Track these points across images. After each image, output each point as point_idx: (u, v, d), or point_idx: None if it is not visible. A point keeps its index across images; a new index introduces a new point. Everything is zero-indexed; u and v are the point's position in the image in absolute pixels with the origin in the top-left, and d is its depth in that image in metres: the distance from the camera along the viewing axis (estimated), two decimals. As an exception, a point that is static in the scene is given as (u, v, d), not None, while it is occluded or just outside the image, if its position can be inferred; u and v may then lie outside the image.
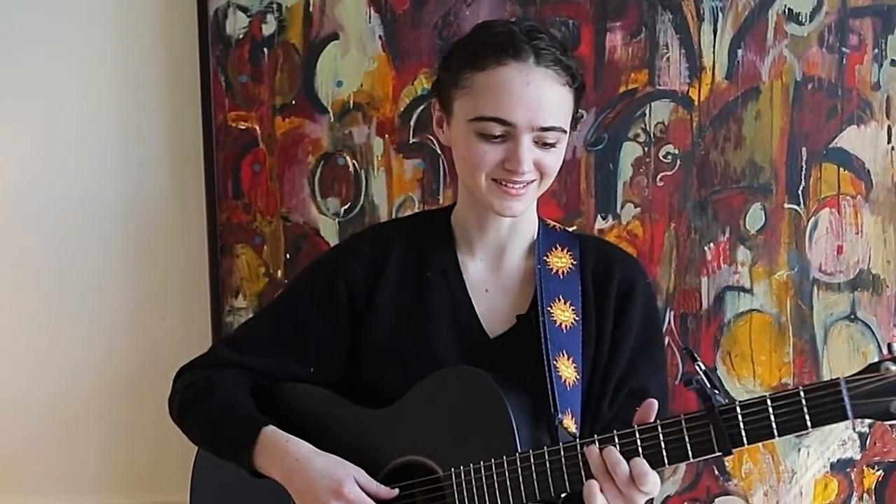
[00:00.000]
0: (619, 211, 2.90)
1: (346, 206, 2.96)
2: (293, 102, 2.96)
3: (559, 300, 2.21)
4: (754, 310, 2.90)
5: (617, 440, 1.97)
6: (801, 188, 2.86)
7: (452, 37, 2.82)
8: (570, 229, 2.48)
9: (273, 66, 2.95)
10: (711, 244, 2.89)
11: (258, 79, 2.96)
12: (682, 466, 2.88)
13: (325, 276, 2.32)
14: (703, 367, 1.94)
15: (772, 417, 1.87)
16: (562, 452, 2.01)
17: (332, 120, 2.95)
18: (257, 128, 2.96)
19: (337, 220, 2.97)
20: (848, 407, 1.82)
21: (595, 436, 2.00)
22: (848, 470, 2.91)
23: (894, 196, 2.85)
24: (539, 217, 2.32)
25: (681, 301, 2.91)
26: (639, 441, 1.95)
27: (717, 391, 1.92)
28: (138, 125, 3.03)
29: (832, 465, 2.91)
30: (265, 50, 2.95)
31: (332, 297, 2.29)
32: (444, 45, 2.84)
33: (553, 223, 2.36)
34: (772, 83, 2.85)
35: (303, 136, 2.96)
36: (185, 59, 2.99)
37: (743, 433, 1.89)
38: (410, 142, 2.94)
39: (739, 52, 2.85)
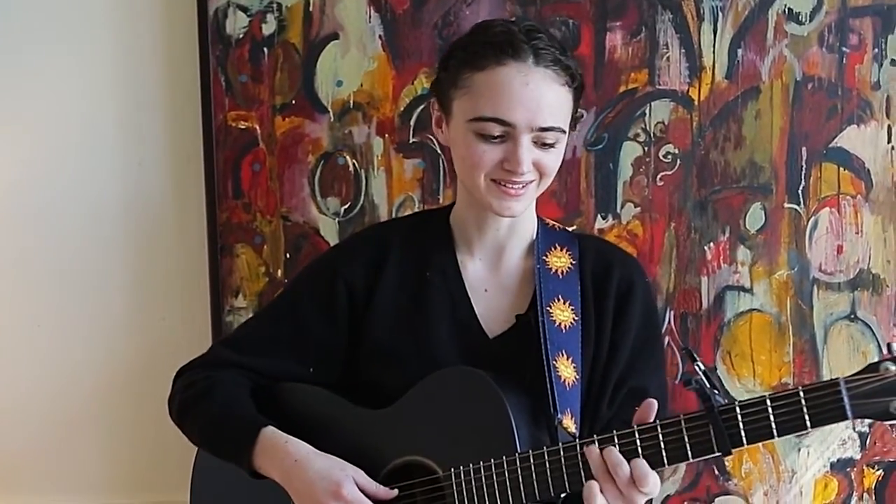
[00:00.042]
0: (619, 211, 2.90)
1: (346, 206, 2.96)
2: (293, 102, 2.96)
3: (558, 300, 2.21)
4: (754, 309, 2.90)
5: (616, 440, 1.97)
6: (801, 188, 2.86)
7: (452, 36, 2.82)
8: (570, 229, 2.48)
9: (273, 66, 2.95)
10: (711, 244, 2.89)
11: (258, 78, 2.96)
12: (682, 466, 2.88)
13: (324, 276, 2.32)
14: (702, 368, 1.94)
15: (771, 417, 1.87)
16: (561, 453, 2.01)
17: (332, 120, 2.95)
18: (257, 127, 2.96)
19: (337, 219, 2.97)
20: (847, 407, 1.82)
21: (595, 436, 2.00)
22: (848, 470, 2.91)
23: (894, 196, 2.85)
24: (538, 217, 2.32)
25: (681, 301, 2.91)
26: (638, 441, 1.95)
27: (716, 391, 1.92)
28: (138, 125, 3.03)
29: (832, 465, 2.91)
30: (265, 50, 2.95)
31: (332, 297, 2.29)
32: (444, 45, 2.84)
33: (552, 223, 2.36)
34: (772, 83, 2.85)
35: (303, 136, 2.96)
36: (185, 59, 2.99)
37: (742, 433, 1.89)
38: (410, 141, 2.94)
39: (739, 51, 2.85)
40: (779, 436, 1.87)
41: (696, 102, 2.87)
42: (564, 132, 2.14)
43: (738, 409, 1.89)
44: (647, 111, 2.88)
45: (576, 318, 2.21)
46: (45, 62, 3.02)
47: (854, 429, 2.89)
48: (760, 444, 1.96)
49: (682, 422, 1.93)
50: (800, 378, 2.88)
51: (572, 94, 2.15)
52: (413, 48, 2.92)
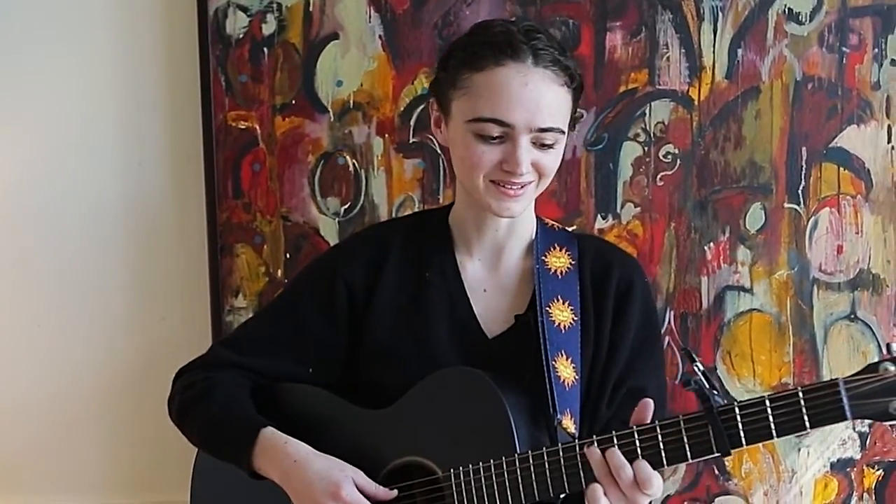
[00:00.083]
0: (619, 211, 2.90)
1: (346, 206, 2.96)
2: (293, 102, 2.96)
3: (557, 300, 2.21)
4: (754, 309, 2.90)
5: (616, 441, 1.97)
6: (801, 188, 2.86)
7: (452, 36, 2.81)
8: (570, 229, 2.48)
9: (273, 66, 2.95)
10: (711, 244, 2.89)
11: (258, 78, 2.96)
12: (682, 466, 2.88)
13: (324, 276, 2.32)
14: (701, 368, 1.94)
15: (770, 418, 1.86)
16: (560, 453, 2.01)
17: (332, 119, 2.95)
18: (257, 127, 2.96)
19: (337, 219, 2.97)
20: (847, 407, 1.82)
21: (594, 436, 2.00)
22: (848, 469, 2.91)
23: (894, 196, 2.85)
24: (537, 217, 2.32)
25: (681, 301, 2.90)
26: (637, 442, 1.95)
27: (715, 392, 1.92)
28: (138, 125, 3.03)
29: (832, 465, 2.91)
30: (265, 49, 2.95)
31: (332, 298, 2.29)
32: (444, 45, 2.83)
33: (551, 222, 2.36)
34: (772, 83, 2.85)
35: (303, 136, 2.96)
36: (185, 59, 2.99)
37: (741, 434, 1.89)
38: (410, 141, 2.94)
39: (739, 51, 2.85)
40: (778, 436, 1.87)
41: (696, 102, 2.86)
42: (563, 133, 2.13)
43: (737, 410, 1.89)
44: (647, 111, 2.88)
45: (575, 319, 2.21)
46: (45, 62, 3.02)
47: (854, 429, 2.89)
48: (760, 444, 1.94)
49: (682, 422, 1.93)
50: (800, 378, 2.88)
51: (571, 94, 2.14)
52: (413, 48, 2.92)
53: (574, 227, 2.81)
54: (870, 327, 2.87)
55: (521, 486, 2.03)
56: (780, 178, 2.86)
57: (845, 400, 1.82)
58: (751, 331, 2.90)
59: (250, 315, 2.87)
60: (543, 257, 2.26)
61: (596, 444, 1.98)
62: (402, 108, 2.94)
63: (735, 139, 2.86)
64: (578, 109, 2.23)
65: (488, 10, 2.87)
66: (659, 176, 2.89)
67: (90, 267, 3.06)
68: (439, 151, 2.90)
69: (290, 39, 2.94)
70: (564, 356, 2.16)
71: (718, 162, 2.87)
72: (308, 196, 2.97)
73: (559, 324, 2.19)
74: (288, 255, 2.97)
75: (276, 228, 2.97)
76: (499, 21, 2.21)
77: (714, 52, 2.85)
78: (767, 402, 1.87)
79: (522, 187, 2.13)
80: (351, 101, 2.94)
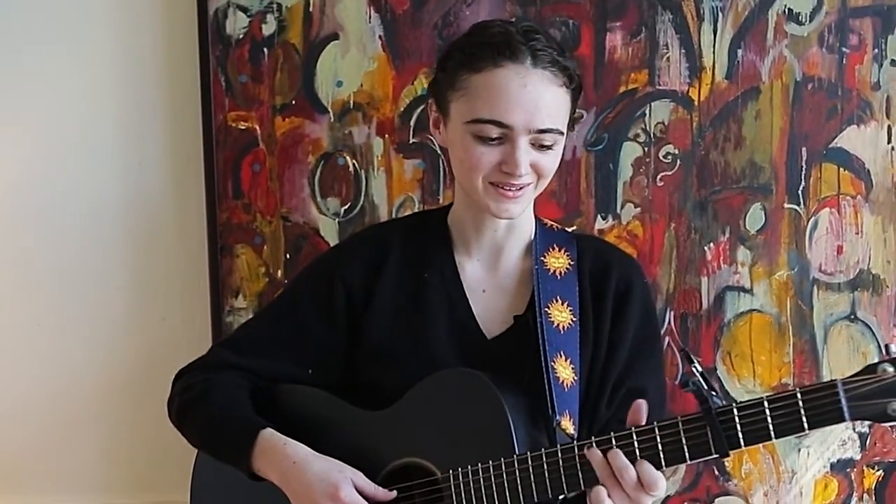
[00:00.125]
0: (619, 211, 2.90)
1: (346, 206, 2.96)
2: (293, 102, 2.96)
3: (556, 301, 2.21)
4: (754, 310, 2.90)
5: (614, 442, 1.96)
6: (801, 188, 2.86)
7: (452, 37, 2.81)
8: (570, 229, 2.48)
9: (273, 66, 2.95)
10: (711, 244, 2.89)
11: (258, 79, 2.96)
12: (682, 467, 2.88)
13: (323, 276, 2.31)
14: (699, 369, 1.93)
15: (769, 419, 1.86)
16: (559, 455, 2.01)
17: (332, 120, 2.95)
18: (257, 128, 2.96)
19: (337, 220, 2.97)
20: (845, 409, 1.82)
21: (592, 438, 2.00)
22: (848, 470, 2.91)
23: (894, 196, 2.85)
24: (536, 217, 2.32)
25: (681, 301, 2.91)
26: (636, 443, 1.95)
27: (714, 392, 1.91)
28: (138, 125, 3.03)
29: (832, 466, 2.91)
30: (265, 50, 2.95)
31: (331, 298, 2.28)
32: (443, 45, 2.83)
33: (550, 223, 2.35)
34: (772, 83, 2.85)
35: (303, 136, 2.96)
36: (185, 59, 2.99)
37: (740, 435, 1.88)
38: (410, 142, 2.94)
39: (739, 52, 2.85)
40: (776, 437, 1.87)
41: (696, 103, 2.86)
42: (562, 134, 2.13)
43: (735, 411, 1.89)
44: (647, 111, 2.88)
45: (574, 319, 2.20)
46: (45, 62, 3.02)
47: (854, 429, 2.89)
48: (760, 444, 1.94)
49: (680, 423, 1.93)
50: (800, 378, 2.88)
51: (570, 95, 2.14)
52: (413, 48, 2.92)
53: (574, 228, 2.82)
54: (870, 328, 2.87)
55: (519, 487, 2.03)
56: (780, 179, 2.86)
57: (844, 401, 1.82)
58: (751, 331, 2.90)
59: (250, 315, 2.88)
60: (542, 258, 2.25)
61: (595, 445, 1.98)
62: (402, 109, 2.94)
63: (735, 139, 2.86)
64: (578, 110, 2.24)
65: (488, 11, 2.88)
66: (659, 176, 2.89)
67: (90, 267, 3.06)
68: (439, 152, 2.90)
69: (290, 40, 2.94)
70: (563, 357, 2.16)
71: (718, 162, 2.87)
72: (308, 196, 2.97)
73: (558, 324, 2.19)
74: (288, 256, 2.97)
75: (276, 229, 2.97)
76: (497, 22, 2.20)
77: (714, 52, 2.85)
78: (766, 404, 1.87)
79: (521, 188, 2.13)
80: (351, 102, 2.94)
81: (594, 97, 2.87)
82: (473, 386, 2.09)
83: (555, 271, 2.24)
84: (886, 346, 1.84)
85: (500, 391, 2.07)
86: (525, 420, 2.09)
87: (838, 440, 2.89)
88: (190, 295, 3.04)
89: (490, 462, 2.05)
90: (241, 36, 2.94)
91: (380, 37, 2.92)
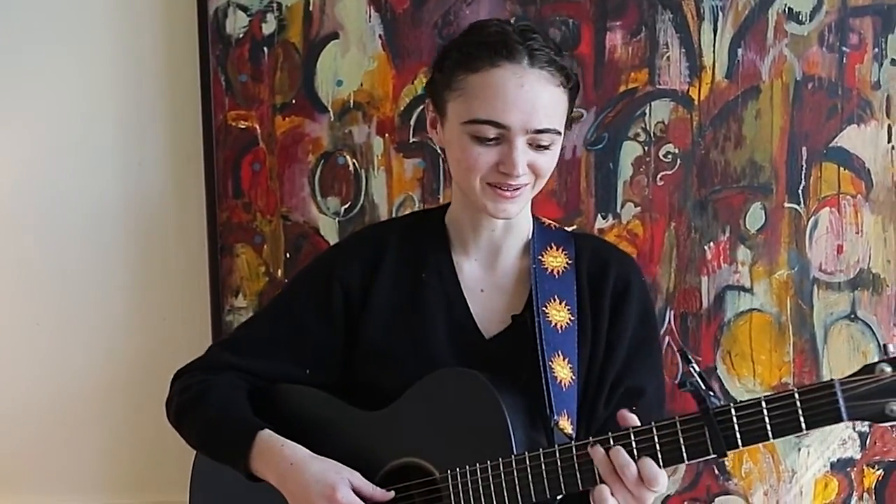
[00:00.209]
0: (619, 210, 2.90)
1: (346, 206, 2.96)
2: (293, 102, 2.96)
3: (554, 300, 2.20)
4: (754, 309, 2.89)
5: (612, 442, 1.96)
6: (801, 187, 2.86)
7: (452, 36, 2.78)
8: (570, 229, 2.48)
9: (273, 66, 2.95)
10: (711, 244, 2.88)
11: (258, 78, 2.96)
12: (682, 466, 2.88)
13: (320, 276, 2.31)
14: (697, 369, 1.93)
15: (766, 419, 1.86)
16: (557, 454, 2.01)
17: (332, 119, 2.95)
18: (257, 127, 2.96)
19: (337, 219, 2.97)
20: (843, 409, 1.81)
21: (590, 438, 1.99)
22: (848, 469, 2.90)
23: (894, 195, 2.85)
24: (534, 216, 2.31)
25: (681, 301, 2.90)
26: (634, 443, 1.95)
27: (712, 393, 1.91)
28: (138, 125, 3.03)
29: (832, 465, 2.91)
30: (265, 49, 2.95)
31: (328, 298, 2.28)
32: (444, 45, 2.83)
33: (548, 221, 2.35)
34: (772, 82, 2.85)
35: (303, 136, 2.96)
36: (185, 58, 2.99)
37: (738, 435, 1.88)
38: (410, 141, 2.94)
39: (739, 51, 2.85)
40: (774, 438, 1.87)
41: (696, 102, 2.86)
42: (560, 134, 2.12)
43: (733, 411, 1.88)
44: (647, 111, 2.88)
45: (572, 319, 2.20)
46: (45, 62, 3.02)
47: (854, 429, 2.89)
48: (760, 444, 1.94)
49: (678, 423, 1.92)
50: (800, 378, 2.88)
51: (567, 94, 2.14)
52: (413, 48, 2.92)
53: (574, 227, 2.81)
54: (870, 327, 2.87)
55: (517, 486, 2.03)
56: (781, 178, 2.86)
57: (841, 401, 1.81)
58: (751, 331, 2.90)
59: (250, 315, 2.87)
60: (540, 257, 2.25)
61: (592, 444, 1.98)
62: (402, 108, 2.94)
63: (735, 139, 2.86)
64: (578, 109, 2.24)
65: (488, 10, 2.87)
66: (659, 176, 2.89)
67: (90, 267, 3.06)
68: (439, 151, 2.89)
69: (290, 39, 2.94)
70: (561, 356, 2.16)
71: (718, 162, 2.87)
72: (308, 196, 2.97)
73: (556, 324, 2.18)
74: (288, 255, 2.97)
75: (276, 228, 2.98)
76: (494, 21, 2.20)
77: (714, 51, 2.85)
78: (763, 404, 1.86)
79: (519, 189, 2.12)
80: (351, 101, 2.94)
81: (594, 96, 2.87)
82: (471, 386, 2.09)
83: (552, 270, 2.24)
84: (884, 346, 1.84)
85: (498, 391, 2.07)
86: (523, 420, 2.09)
87: (838, 439, 2.89)
88: (190, 295, 3.05)
89: (488, 462, 2.04)
90: (241, 35, 2.94)
91: (380, 36, 2.92)
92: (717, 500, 2.93)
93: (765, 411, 1.86)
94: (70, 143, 3.03)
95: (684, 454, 1.92)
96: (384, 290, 2.27)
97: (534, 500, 2.03)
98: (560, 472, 2.00)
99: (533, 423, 2.11)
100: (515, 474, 2.03)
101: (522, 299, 2.25)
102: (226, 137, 2.96)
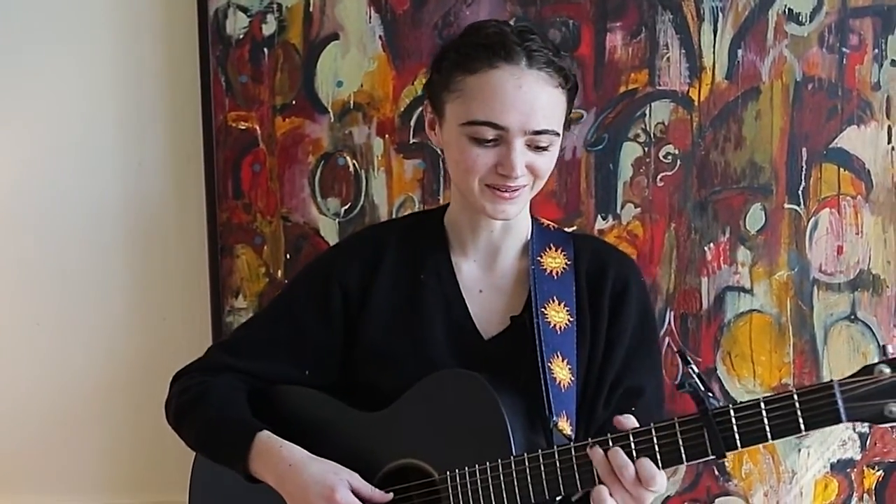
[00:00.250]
0: (619, 211, 2.90)
1: (347, 206, 2.96)
2: (293, 102, 2.96)
3: (553, 301, 2.20)
4: (754, 310, 2.89)
5: (611, 443, 1.96)
6: (801, 188, 2.86)
7: (452, 36, 2.78)
8: (570, 229, 2.48)
9: (273, 66, 2.95)
10: (711, 244, 2.88)
11: (258, 79, 2.96)
12: (682, 467, 2.87)
13: (319, 277, 2.31)
14: (696, 370, 1.93)
15: (765, 420, 1.86)
16: (556, 456, 2.00)
17: (332, 120, 2.95)
18: (257, 128, 2.96)
19: (337, 220, 2.97)
20: (842, 410, 1.81)
21: (589, 439, 1.99)
22: (848, 470, 2.90)
23: (894, 196, 2.85)
24: (533, 217, 2.31)
25: (681, 301, 2.90)
26: (633, 444, 1.95)
27: (710, 394, 1.91)
28: (138, 125, 3.03)
29: (832, 466, 2.91)
30: (265, 50, 2.95)
31: (327, 299, 2.28)
32: (442, 46, 2.83)
33: (547, 222, 2.35)
34: (772, 83, 2.85)
35: (303, 136, 2.96)
36: (185, 59, 2.99)
37: (736, 436, 1.88)
38: (410, 142, 2.94)
39: (739, 52, 2.85)
40: (773, 439, 1.86)
41: (696, 103, 2.86)
42: (558, 135, 2.12)
43: (732, 412, 1.88)
44: (648, 112, 2.88)
45: (571, 320, 2.20)
46: (45, 62, 3.03)
47: (854, 429, 2.89)
48: (760, 444, 1.94)
49: (677, 425, 1.92)
50: (800, 379, 2.88)
51: (566, 95, 2.13)
52: (413, 48, 2.92)
53: (574, 228, 2.81)
54: (870, 328, 2.87)
55: (516, 488, 2.03)
56: (781, 179, 2.86)
57: (840, 402, 1.81)
58: (751, 331, 2.90)
59: (250, 316, 2.86)
60: (539, 258, 2.25)
61: (591, 446, 1.98)
62: (402, 109, 2.94)
63: (735, 140, 2.86)
64: (578, 110, 2.24)
65: (488, 10, 2.87)
66: (659, 176, 2.89)
67: (90, 267, 3.06)
68: (439, 152, 2.89)
69: (290, 40, 2.95)
70: (560, 357, 2.16)
71: (718, 162, 2.87)
72: (308, 196, 2.97)
73: (555, 325, 2.18)
74: (288, 256, 2.98)
75: (277, 229, 2.98)
76: (492, 22, 2.19)
77: (714, 52, 2.85)
78: (762, 405, 1.86)
79: (517, 190, 2.12)
80: (351, 102, 2.94)
81: (594, 97, 2.87)
82: (470, 387, 2.09)
83: (551, 271, 2.24)
84: (883, 347, 1.84)
85: (497, 392, 2.07)
86: (522, 421, 2.09)
87: (838, 440, 2.89)
88: (190, 295, 3.05)
89: (487, 463, 2.04)
90: (241, 36, 2.95)
91: (380, 37, 2.92)
92: (717, 500, 2.93)
93: (764, 412, 1.86)
94: (70, 143, 3.04)
95: (683, 455, 1.92)
96: (383, 290, 2.27)
97: (533, 501, 2.03)
98: (559, 473, 2.00)
99: (532, 425, 2.11)
100: (514, 475, 2.02)
101: (521, 300, 2.24)
102: (226, 138, 2.96)
